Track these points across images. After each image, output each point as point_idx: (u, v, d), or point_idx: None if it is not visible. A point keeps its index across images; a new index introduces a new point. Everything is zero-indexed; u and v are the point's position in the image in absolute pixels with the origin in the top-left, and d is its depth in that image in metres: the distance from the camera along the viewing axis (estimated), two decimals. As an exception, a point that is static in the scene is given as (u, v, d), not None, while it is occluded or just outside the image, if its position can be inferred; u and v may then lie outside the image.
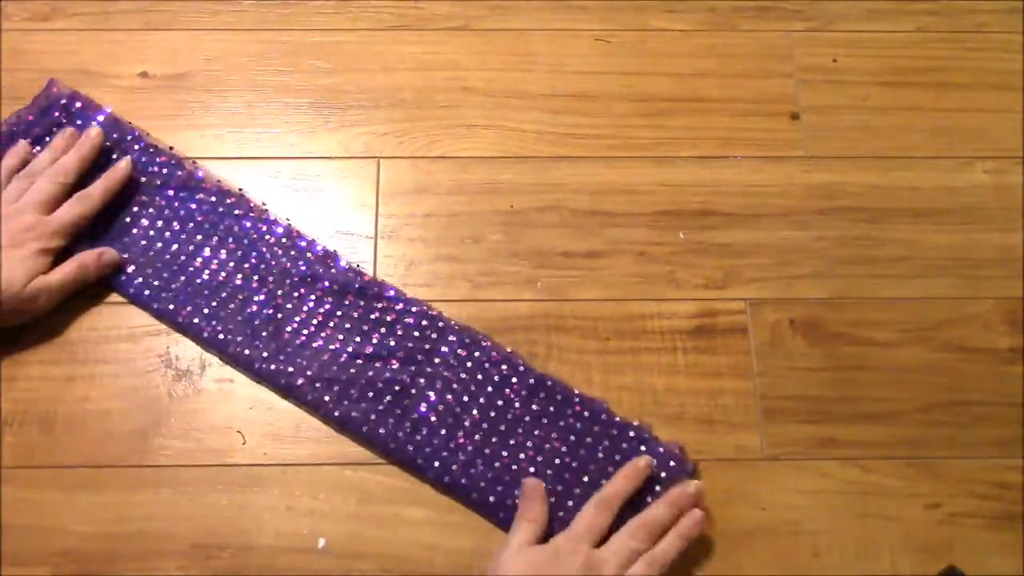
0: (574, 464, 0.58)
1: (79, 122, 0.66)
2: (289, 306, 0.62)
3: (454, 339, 0.61)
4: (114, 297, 0.62)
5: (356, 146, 0.68)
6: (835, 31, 0.73)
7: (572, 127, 0.69)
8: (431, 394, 0.59)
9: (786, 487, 0.58)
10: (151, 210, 0.64)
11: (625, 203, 0.66)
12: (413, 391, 0.59)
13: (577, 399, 0.59)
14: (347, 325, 0.61)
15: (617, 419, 0.59)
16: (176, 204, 0.64)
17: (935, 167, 0.68)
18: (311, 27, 0.72)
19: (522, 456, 0.58)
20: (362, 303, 0.62)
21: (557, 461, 0.58)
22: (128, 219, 0.64)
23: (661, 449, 0.58)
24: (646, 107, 0.70)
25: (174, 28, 0.72)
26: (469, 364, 0.60)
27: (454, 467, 0.57)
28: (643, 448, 0.58)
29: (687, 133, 0.69)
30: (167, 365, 0.61)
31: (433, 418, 0.59)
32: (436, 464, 0.57)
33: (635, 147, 0.68)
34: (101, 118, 0.66)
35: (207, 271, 0.63)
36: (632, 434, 0.58)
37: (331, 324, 0.61)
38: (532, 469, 0.58)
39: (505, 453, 0.58)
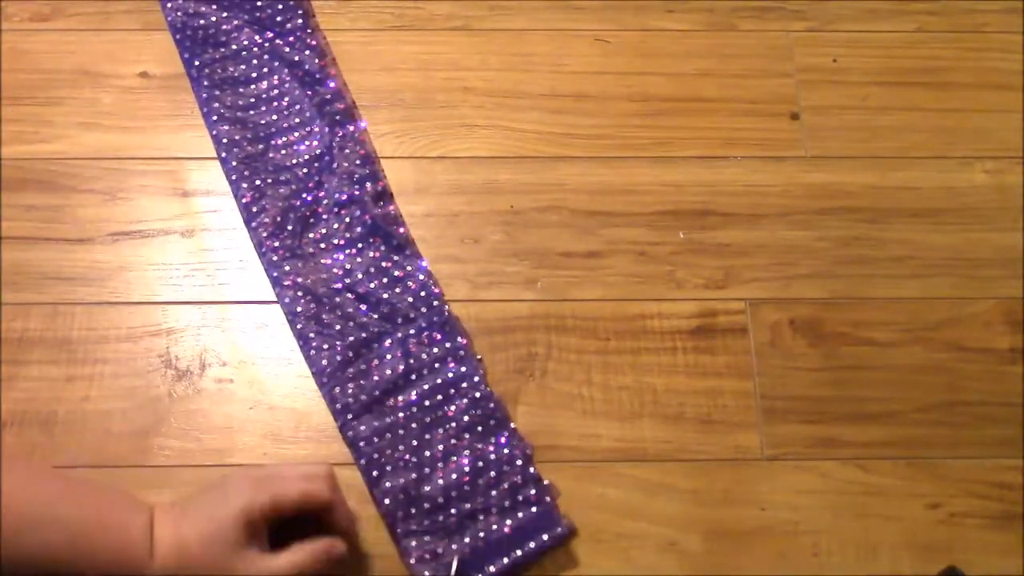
0: (467, 488, 0.56)
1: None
2: (325, 216, 0.64)
3: (437, 319, 0.61)
4: (114, 297, 0.63)
5: (356, 146, 0.68)
6: (835, 31, 0.73)
7: (572, 127, 0.69)
8: (388, 356, 0.60)
9: (786, 487, 0.58)
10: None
11: (625, 203, 0.66)
12: (375, 345, 0.60)
13: (506, 434, 0.58)
14: (359, 259, 0.63)
15: (532, 469, 0.57)
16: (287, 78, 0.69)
17: (935, 167, 0.68)
18: (311, 27, 0.72)
19: (427, 454, 0.57)
20: (383, 248, 0.63)
21: (454, 477, 0.57)
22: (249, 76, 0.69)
23: (555, 516, 0.56)
24: (646, 107, 0.70)
25: (174, 28, 0.72)
26: (435, 350, 0.60)
27: (362, 427, 0.58)
28: (534, 508, 0.56)
29: (687, 133, 0.69)
30: (167, 365, 0.61)
31: (376, 377, 0.59)
32: (349, 416, 0.58)
33: (635, 147, 0.68)
34: None
35: (286, 150, 0.66)
36: (534, 491, 0.56)
37: (348, 251, 0.63)
38: (427, 470, 0.57)
39: (415, 442, 0.58)
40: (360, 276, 0.62)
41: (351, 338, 0.61)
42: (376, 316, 0.61)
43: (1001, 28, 0.73)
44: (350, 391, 0.59)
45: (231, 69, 0.69)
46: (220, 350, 0.61)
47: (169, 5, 0.71)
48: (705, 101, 0.70)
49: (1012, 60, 0.72)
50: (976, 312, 0.63)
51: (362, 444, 0.57)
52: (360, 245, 0.63)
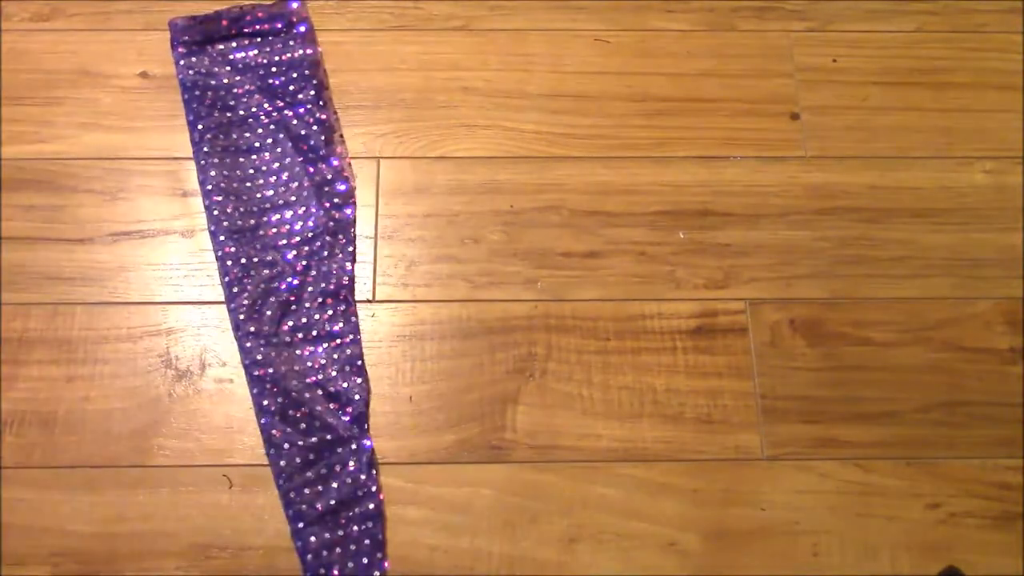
0: None
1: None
2: (308, 305, 0.62)
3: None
4: (114, 297, 0.63)
5: (356, 146, 0.68)
6: (835, 31, 0.73)
7: (572, 127, 0.69)
8: (351, 463, 0.58)
9: (786, 487, 0.58)
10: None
11: (625, 203, 0.66)
12: (339, 449, 0.58)
13: None
14: (335, 356, 0.61)
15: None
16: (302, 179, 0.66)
17: (935, 167, 0.68)
18: (311, 27, 0.72)
19: (377, 574, 0.56)
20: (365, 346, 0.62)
21: None
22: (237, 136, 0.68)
23: None
24: (646, 107, 0.70)
25: (174, 28, 0.72)
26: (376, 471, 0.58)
27: (312, 538, 0.56)
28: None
29: (687, 133, 0.69)
30: (167, 365, 0.61)
31: (335, 484, 0.58)
32: (301, 524, 0.56)
33: (635, 147, 0.68)
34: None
35: (279, 228, 0.64)
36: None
37: (326, 345, 0.61)
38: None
39: (365, 560, 0.56)
40: (334, 374, 0.60)
41: (314, 439, 0.58)
42: (346, 418, 0.59)
43: (1001, 28, 0.74)
44: (306, 495, 0.57)
45: (234, 135, 0.67)
46: (220, 350, 0.61)
47: (182, 63, 0.69)
48: (705, 101, 0.70)
49: (1012, 60, 0.72)
50: (976, 312, 0.63)
51: (310, 557, 0.56)
52: (339, 340, 0.61)
